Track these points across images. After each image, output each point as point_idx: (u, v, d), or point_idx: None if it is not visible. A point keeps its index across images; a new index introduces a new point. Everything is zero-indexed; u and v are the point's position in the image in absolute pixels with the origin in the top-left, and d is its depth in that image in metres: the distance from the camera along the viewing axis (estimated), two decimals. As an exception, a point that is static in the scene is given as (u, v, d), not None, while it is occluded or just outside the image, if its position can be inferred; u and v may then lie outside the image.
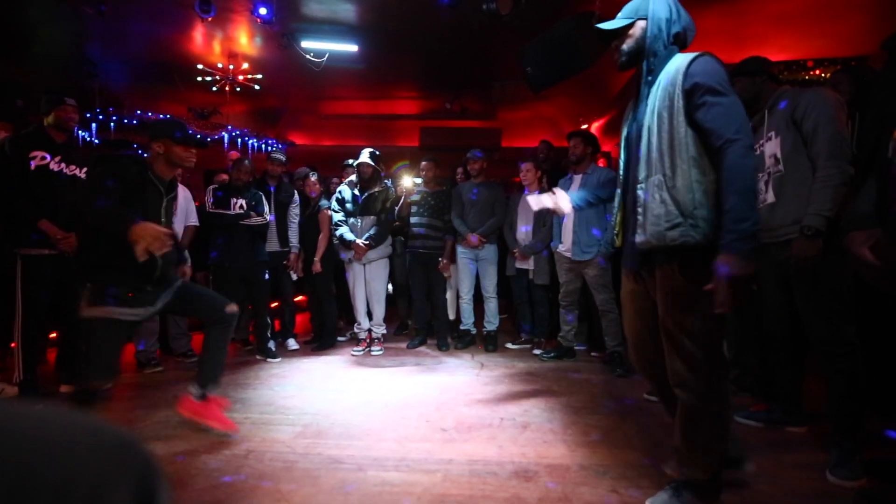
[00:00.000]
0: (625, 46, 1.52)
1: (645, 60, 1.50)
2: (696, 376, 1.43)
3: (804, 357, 2.17)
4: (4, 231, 2.78)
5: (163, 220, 2.12)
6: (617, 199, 1.68)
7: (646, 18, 1.48)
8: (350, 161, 4.08)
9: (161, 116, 6.65)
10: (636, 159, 1.50)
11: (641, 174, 1.47)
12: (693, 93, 1.37)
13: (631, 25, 1.51)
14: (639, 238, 1.48)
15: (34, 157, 2.67)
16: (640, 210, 1.48)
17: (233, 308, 2.20)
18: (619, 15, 1.53)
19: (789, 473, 1.79)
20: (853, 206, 1.80)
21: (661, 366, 1.56)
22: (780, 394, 2.23)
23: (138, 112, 6.59)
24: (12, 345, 2.76)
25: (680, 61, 1.42)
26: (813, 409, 2.18)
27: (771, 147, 2.01)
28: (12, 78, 5.18)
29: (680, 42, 1.51)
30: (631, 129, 1.60)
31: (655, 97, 1.45)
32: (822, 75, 4.66)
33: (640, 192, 1.48)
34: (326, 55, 5.47)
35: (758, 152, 2.09)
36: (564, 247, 3.41)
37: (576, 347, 3.64)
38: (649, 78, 1.50)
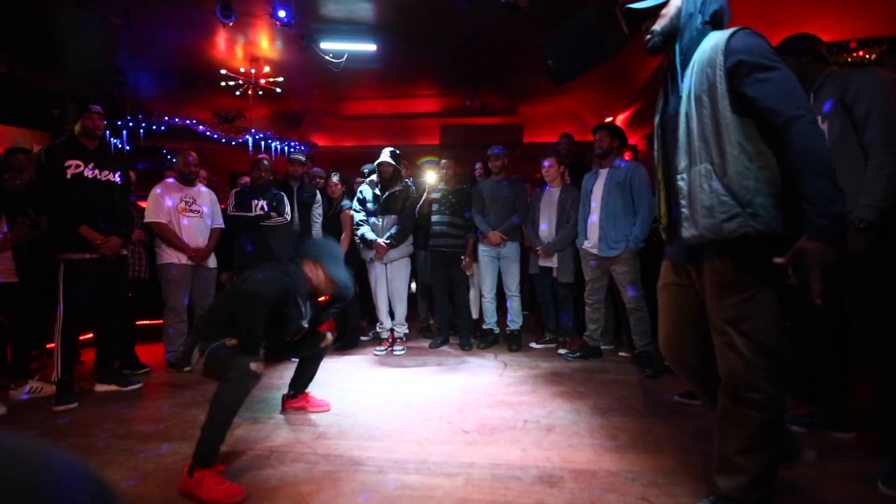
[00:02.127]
0: (657, 27, 1.40)
1: (678, 42, 1.40)
2: (749, 380, 1.30)
3: (850, 356, 2.03)
4: (48, 237, 2.89)
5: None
6: (659, 194, 1.54)
7: None
8: (366, 167, 4.09)
9: (188, 122, 6.83)
10: (674, 148, 1.40)
11: (682, 163, 1.36)
12: (737, 72, 1.25)
13: (664, 4, 1.40)
14: (687, 233, 1.36)
15: (69, 167, 2.76)
16: (683, 202, 1.37)
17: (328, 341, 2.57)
18: None
19: (835, 483, 1.67)
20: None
21: (693, 361, 1.53)
22: (823, 396, 2.09)
23: (166, 118, 6.81)
24: (49, 345, 2.86)
25: (715, 39, 1.31)
26: (861, 414, 2.04)
27: None
28: (47, 88, 5.40)
29: (717, 22, 1.39)
30: (664, 117, 1.49)
31: (691, 81, 1.34)
32: (867, 57, 4.37)
33: (681, 183, 1.37)
34: (346, 55, 5.49)
35: None
36: (590, 243, 3.31)
37: (602, 347, 3.54)
38: (682, 60, 1.39)
